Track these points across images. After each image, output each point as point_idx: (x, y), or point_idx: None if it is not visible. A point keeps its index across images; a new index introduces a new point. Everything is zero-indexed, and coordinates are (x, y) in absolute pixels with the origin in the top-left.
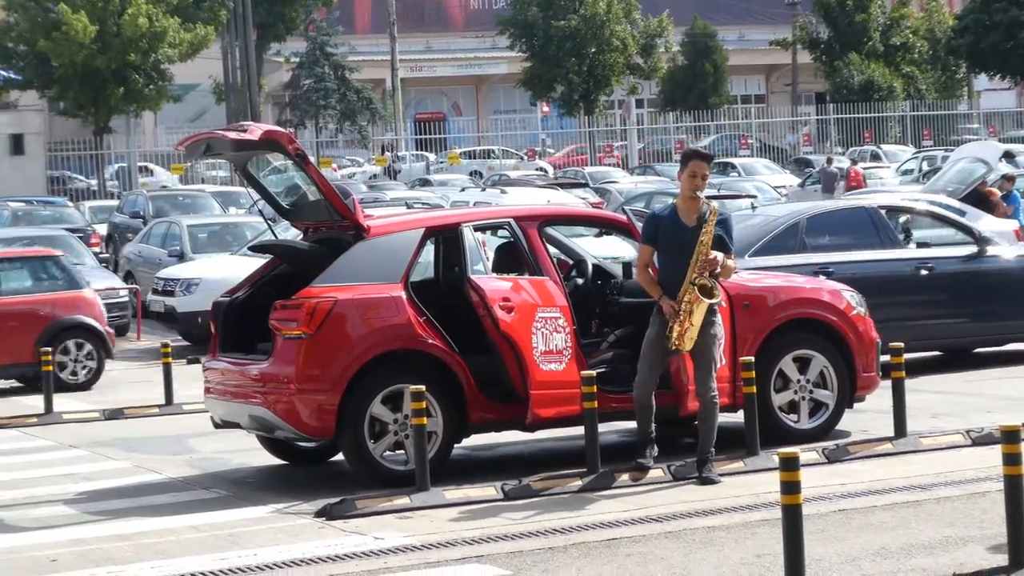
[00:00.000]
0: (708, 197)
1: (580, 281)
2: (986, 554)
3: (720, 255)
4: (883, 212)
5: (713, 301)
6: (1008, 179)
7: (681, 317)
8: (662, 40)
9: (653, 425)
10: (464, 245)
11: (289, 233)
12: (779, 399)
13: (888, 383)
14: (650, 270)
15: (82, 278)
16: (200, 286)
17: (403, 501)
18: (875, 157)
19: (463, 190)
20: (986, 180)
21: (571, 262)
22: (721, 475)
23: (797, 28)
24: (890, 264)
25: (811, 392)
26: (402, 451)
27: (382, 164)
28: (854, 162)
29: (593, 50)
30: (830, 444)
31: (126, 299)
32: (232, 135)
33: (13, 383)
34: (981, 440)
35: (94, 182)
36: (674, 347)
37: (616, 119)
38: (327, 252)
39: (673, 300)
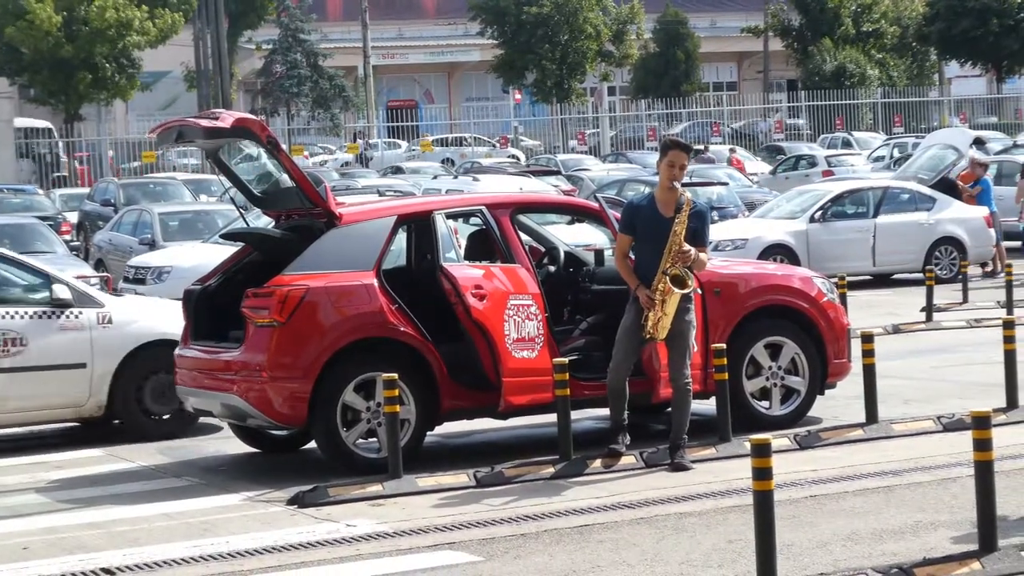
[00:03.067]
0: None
1: (552, 268)
2: (956, 539)
3: (693, 249)
4: None
5: (686, 291)
6: (980, 165)
7: (656, 307)
8: (634, 27)
9: (626, 412)
10: (436, 233)
11: (261, 221)
12: (751, 386)
13: (859, 369)
14: (628, 260)
15: None
16: (171, 274)
17: (375, 488)
18: (846, 144)
19: (435, 178)
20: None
21: (543, 249)
22: (693, 461)
23: (769, 15)
24: None
25: (783, 379)
26: (375, 439)
27: (354, 152)
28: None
29: (566, 37)
30: (802, 430)
31: (97, 287)
32: (204, 123)
33: None
34: (952, 426)
35: None
36: (648, 336)
37: (588, 106)
38: (299, 240)
39: (649, 289)
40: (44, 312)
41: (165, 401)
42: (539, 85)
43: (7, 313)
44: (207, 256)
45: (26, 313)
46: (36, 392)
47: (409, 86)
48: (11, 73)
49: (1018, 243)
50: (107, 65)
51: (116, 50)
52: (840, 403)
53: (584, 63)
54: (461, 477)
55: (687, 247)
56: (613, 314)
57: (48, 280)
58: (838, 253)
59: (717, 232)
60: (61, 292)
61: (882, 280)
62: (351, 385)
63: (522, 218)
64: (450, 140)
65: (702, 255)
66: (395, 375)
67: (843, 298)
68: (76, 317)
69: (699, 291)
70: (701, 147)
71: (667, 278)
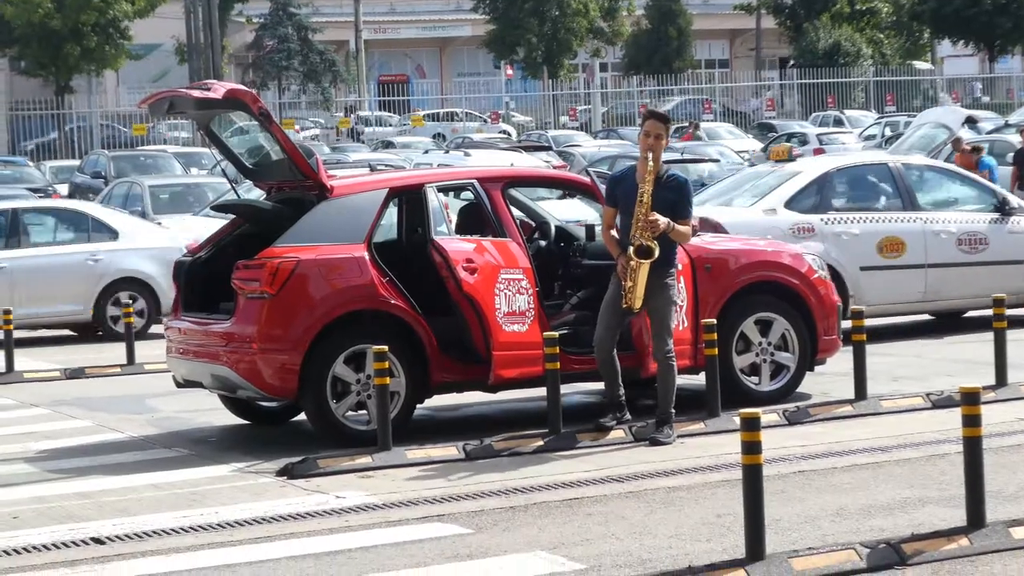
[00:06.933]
0: (671, 161)
1: (543, 243)
2: (944, 515)
3: (662, 219)
4: None
5: (648, 261)
6: (976, 149)
7: (626, 276)
8: (625, 3)
9: (622, 389)
10: (427, 206)
11: (252, 193)
12: (740, 361)
13: (849, 346)
14: (614, 231)
15: None
16: None
17: (365, 460)
18: (838, 122)
19: (426, 152)
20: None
21: (534, 224)
22: (682, 436)
23: None
24: None
25: (772, 355)
26: (364, 411)
27: (345, 126)
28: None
29: (556, 13)
30: (791, 406)
31: None
32: (196, 93)
33: None
34: (941, 403)
35: None
36: (625, 306)
37: (580, 83)
38: (290, 212)
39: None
40: (995, 218)
41: None
42: (528, 61)
43: (971, 219)
44: (197, 228)
45: (984, 219)
46: (994, 284)
47: (401, 61)
48: (1, 45)
49: None
50: (93, 36)
51: (104, 19)
52: (829, 379)
53: (572, 39)
54: (450, 450)
55: (655, 216)
56: (603, 289)
57: (994, 192)
58: None
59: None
60: (1008, 201)
61: None
62: (341, 357)
63: (513, 192)
64: (441, 115)
65: (681, 227)
66: (385, 348)
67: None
68: (1019, 223)
69: (678, 266)
70: (688, 124)
71: (631, 248)
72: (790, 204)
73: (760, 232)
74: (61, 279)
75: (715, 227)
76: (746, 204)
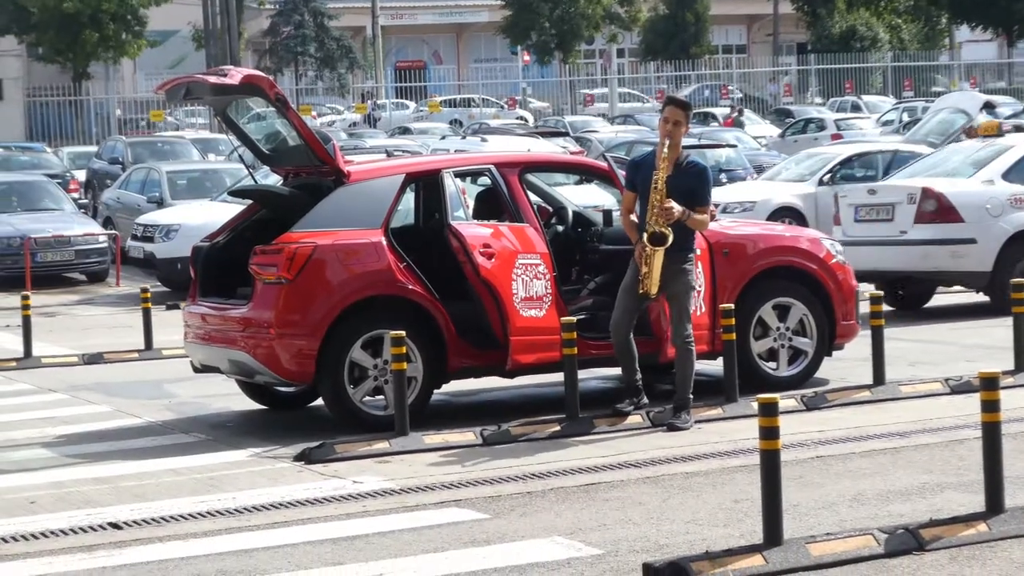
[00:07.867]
0: (689, 147)
1: (560, 228)
2: (963, 500)
3: (678, 207)
4: None
5: (662, 248)
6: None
7: (644, 262)
8: None
9: (639, 374)
10: (444, 191)
11: (269, 179)
12: (758, 346)
13: (867, 331)
14: (633, 216)
15: None
16: (179, 232)
17: (382, 446)
18: (855, 108)
19: (443, 138)
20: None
21: (551, 209)
22: (699, 422)
23: None
24: None
25: (790, 340)
26: (381, 396)
27: (362, 112)
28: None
29: None
30: (809, 391)
31: (105, 245)
32: (212, 79)
33: None
34: (959, 388)
35: None
36: (641, 291)
37: (597, 68)
38: (307, 197)
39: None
40: None
41: None
42: (540, 46)
43: None
44: (214, 214)
45: None
46: None
47: (417, 47)
48: (19, 31)
49: None
50: (111, 23)
51: (123, 7)
52: (847, 365)
53: (581, 25)
54: (468, 435)
55: (670, 203)
56: (621, 274)
57: None
58: None
59: (726, 194)
60: None
61: None
62: (358, 342)
63: (531, 177)
64: (458, 101)
65: (699, 215)
66: (402, 333)
67: None
68: None
69: (696, 251)
70: (730, 111)
71: (645, 235)
72: (1007, 176)
73: (981, 202)
74: None
75: (937, 197)
76: (965, 176)
